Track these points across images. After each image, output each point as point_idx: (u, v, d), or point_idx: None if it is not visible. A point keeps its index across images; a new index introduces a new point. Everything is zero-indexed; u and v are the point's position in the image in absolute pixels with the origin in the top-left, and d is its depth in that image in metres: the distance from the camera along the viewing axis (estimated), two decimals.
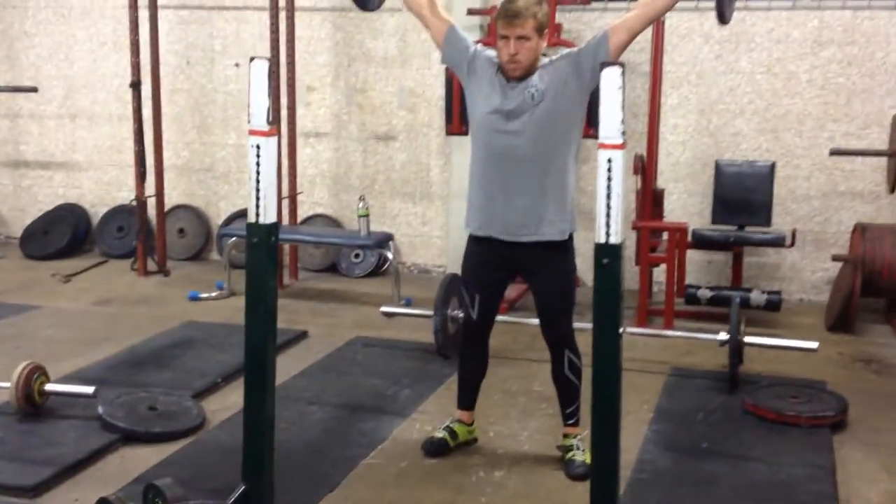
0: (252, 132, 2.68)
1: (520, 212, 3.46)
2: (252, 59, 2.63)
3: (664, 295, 5.66)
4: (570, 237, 3.55)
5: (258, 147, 2.68)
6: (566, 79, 3.39)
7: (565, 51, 3.49)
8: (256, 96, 2.67)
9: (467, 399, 3.86)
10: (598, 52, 3.34)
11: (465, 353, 3.85)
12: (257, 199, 2.70)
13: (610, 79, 2.39)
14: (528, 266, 3.59)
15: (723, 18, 3.35)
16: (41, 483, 3.42)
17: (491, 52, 3.51)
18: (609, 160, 2.44)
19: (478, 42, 3.73)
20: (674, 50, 6.24)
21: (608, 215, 2.47)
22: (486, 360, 3.84)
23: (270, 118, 2.66)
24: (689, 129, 6.34)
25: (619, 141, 2.42)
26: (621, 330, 2.58)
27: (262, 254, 2.75)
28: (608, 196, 2.46)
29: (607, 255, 2.51)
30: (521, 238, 3.49)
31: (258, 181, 2.69)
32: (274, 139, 2.71)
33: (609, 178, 2.45)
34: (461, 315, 4.47)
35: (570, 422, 3.71)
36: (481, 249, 3.60)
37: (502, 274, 3.69)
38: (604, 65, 2.41)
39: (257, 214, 2.72)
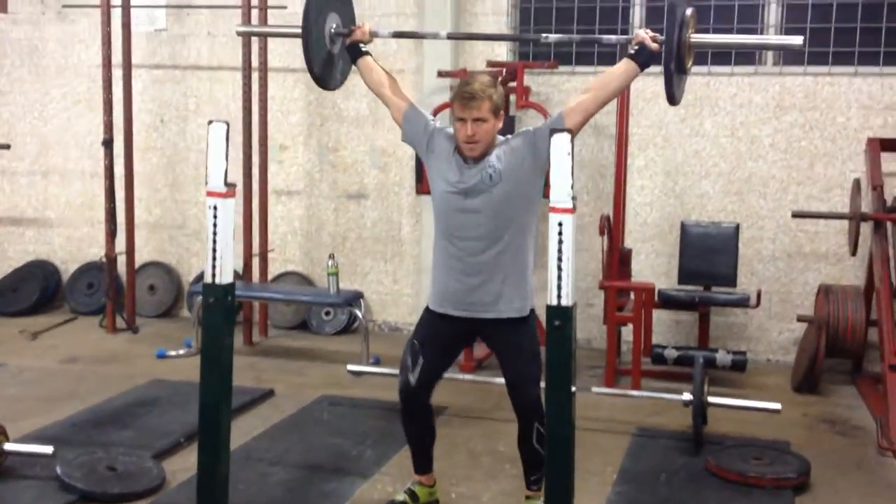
0: (210, 193, 2.71)
1: (477, 290, 3.48)
2: (210, 122, 2.66)
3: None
4: (531, 312, 3.56)
5: (215, 208, 2.71)
6: (523, 159, 3.42)
7: (522, 129, 3.51)
8: (214, 158, 2.70)
9: (422, 464, 3.82)
10: None
11: (405, 421, 3.73)
12: (214, 258, 2.72)
13: (559, 145, 2.44)
14: (490, 340, 3.62)
15: (672, 100, 3.39)
16: None
17: (449, 130, 3.55)
18: (560, 224, 2.48)
19: (437, 114, 3.73)
20: (640, 113, 6.35)
21: (559, 278, 2.50)
22: (431, 422, 3.77)
23: (227, 180, 2.69)
24: (655, 191, 6.43)
25: (569, 205, 2.46)
26: (573, 389, 2.59)
27: (218, 314, 2.76)
28: (559, 259, 2.49)
29: (559, 317, 2.54)
30: (478, 315, 3.52)
31: (215, 241, 2.71)
32: (231, 200, 2.74)
33: (560, 241, 2.49)
34: None
35: (534, 487, 3.69)
36: (437, 321, 3.61)
37: (458, 344, 3.72)
38: (553, 131, 2.45)
39: (213, 274, 2.74)
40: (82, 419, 4.78)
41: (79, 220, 7.54)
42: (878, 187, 5.69)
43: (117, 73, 6.64)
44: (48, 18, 7.44)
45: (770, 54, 6.27)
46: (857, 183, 5.79)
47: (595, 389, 5.12)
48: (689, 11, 3.22)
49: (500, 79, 3.53)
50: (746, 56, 6.29)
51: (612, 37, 3.63)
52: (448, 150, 3.50)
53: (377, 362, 5.92)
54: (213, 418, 2.83)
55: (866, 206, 5.78)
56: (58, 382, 5.52)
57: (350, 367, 5.26)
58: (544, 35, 3.45)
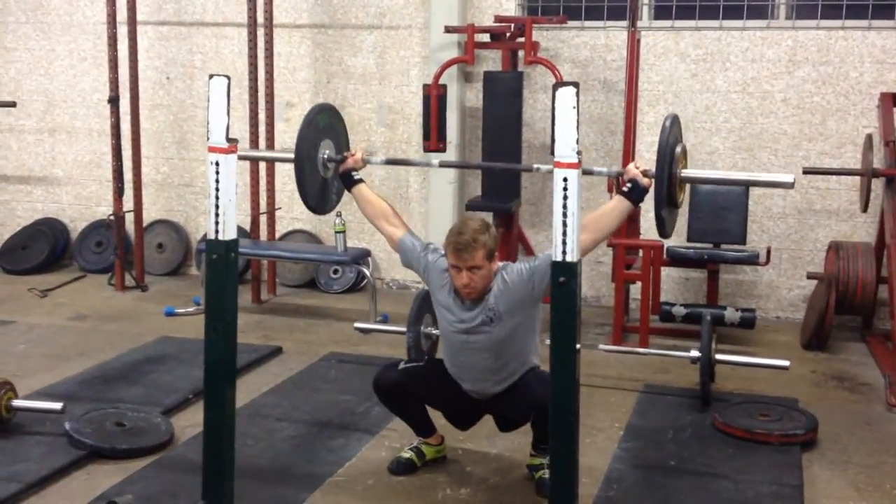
0: (211, 149, 2.69)
1: (478, 393, 3.64)
2: (211, 76, 2.63)
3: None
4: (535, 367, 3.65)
5: (217, 164, 2.69)
6: (521, 297, 3.45)
7: (519, 263, 3.50)
8: (215, 113, 2.67)
9: (423, 430, 3.86)
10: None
11: (386, 404, 3.79)
12: (216, 215, 2.70)
13: (564, 98, 2.40)
14: (496, 406, 3.70)
15: (664, 235, 3.34)
16: (5, 499, 3.41)
17: (443, 263, 3.54)
18: (565, 179, 2.45)
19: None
20: (650, 69, 6.28)
21: (564, 234, 2.48)
22: (416, 396, 3.79)
23: (229, 135, 2.66)
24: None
25: (574, 160, 2.43)
26: (578, 346, 2.58)
27: (222, 270, 2.74)
28: (564, 214, 2.47)
29: (564, 272, 2.52)
30: (483, 400, 3.68)
31: (217, 197, 2.69)
32: (233, 156, 2.71)
33: (565, 197, 2.46)
34: (434, 332, 4.46)
35: (541, 451, 3.68)
36: (451, 380, 3.68)
37: (458, 403, 3.74)
38: (557, 85, 2.42)
39: (217, 231, 2.72)
40: (91, 376, 4.81)
41: (86, 178, 7.54)
42: (890, 143, 5.63)
43: (122, 30, 6.59)
44: None
45: (783, 7, 6.18)
46: (869, 138, 5.73)
47: (603, 347, 5.13)
48: (678, 149, 3.18)
49: (490, 227, 3.54)
50: (759, 10, 6.20)
51: (604, 169, 3.63)
52: (446, 287, 3.54)
53: (385, 320, 5.92)
54: (218, 375, 2.83)
55: (878, 161, 5.73)
56: (67, 340, 5.55)
57: (357, 324, 5.26)
58: (536, 166, 3.43)
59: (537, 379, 3.52)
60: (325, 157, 3.59)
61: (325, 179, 3.63)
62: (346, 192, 3.74)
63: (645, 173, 3.21)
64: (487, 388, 3.60)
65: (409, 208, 6.92)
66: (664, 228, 3.28)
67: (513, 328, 3.48)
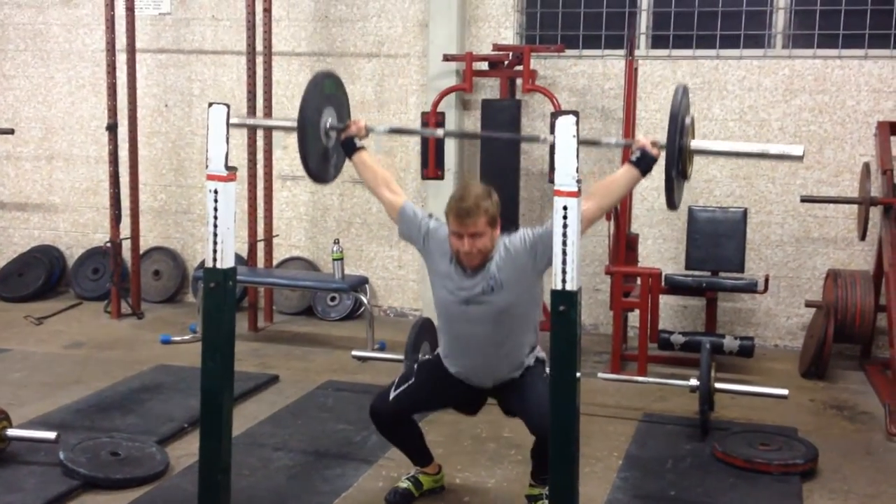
0: (210, 177, 2.68)
1: (481, 376, 3.55)
2: (210, 104, 2.63)
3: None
4: (540, 361, 3.58)
5: (216, 192, 2.68)
6: (523, 267, 3.39)
7: (522, 232, 3.44)
8: (215, 141, 2.67)
9: (420, 460, 3.82)
10: None
11: (382, 432, 3.72)
12: (215, 243, 2.69)
13: (564, 127, 2.40)
14: (500, 398, 3.62)
15: (672, 205, 3.30)
16: None
17: (444, 232, 3.49)
18: (565, 207, 2.44)
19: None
20: (647, 97, 6.30)
21: (564, 262, 2.47)
22: (413, 424, 3.76)
23: (228, 163, 2.66)
24: (662, 175, 6.36)
25: (574, 188, 2.42)
26: (578, 375, 2.56)
27: (219, 298, 2.73)
28: (564, 243, 2.46)
29: (564, 301, 2.51)
30: (484, 387, 3.59)
31: (216, 226, 2.68)
32: (232, 184, 2.71)
33: (565, 226, 2.45)
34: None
35: (540, 482, 3.64)
36: (448, 375, 3.62)
37: (456, 401, 3.71)
38: (557, 114, 2.41)
39: (214, 259, 2.71)
40: (86, 405, 4.77)
41: (84, 205, 7.53)
42: (887, 171, 5.64)
43: (121, 58, 6.61)
44: (52, 2, 7.41)
45: (780, 36, 6.22)
46: (866, 167, 5.74)
47: (601, 375, 5.10)
48: (688, 120, 3.19)
49: (493, 194, 3.45)
50: (755, 39, 6.23)
51: (612, 139, 3.59)
52: (446, 256, 3.48)
53: (382, 348, 5.90)
54: (215, 404, 2.80)
55: (876, 190, 5.74)
56: (62, 368, 5.51)
57: (355, 352, 5.23)
58: (543, 136, 3.40)
59: (539, 398, 3.41)
60: (328, 125, 3.53)
61: (327, 148, 3.59)
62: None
63: (654, 144, 3.19)
64: (487, 369, 3.51)
65: None
66: (673, 199, 3.24)
67: (513, 299, 3.40)
